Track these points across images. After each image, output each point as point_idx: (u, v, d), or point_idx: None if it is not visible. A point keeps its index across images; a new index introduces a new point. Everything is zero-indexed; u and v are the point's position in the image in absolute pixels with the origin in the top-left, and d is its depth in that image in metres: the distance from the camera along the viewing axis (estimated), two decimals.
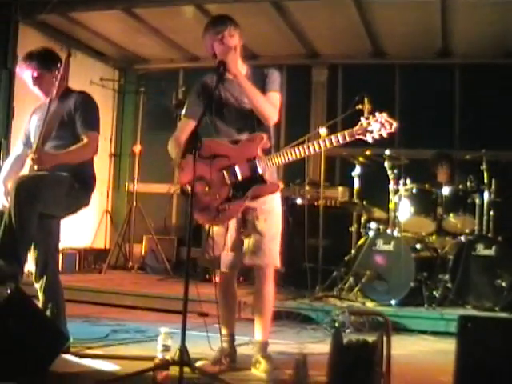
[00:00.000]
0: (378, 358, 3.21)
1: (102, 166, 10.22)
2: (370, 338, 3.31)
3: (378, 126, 4.09)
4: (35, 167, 4.50)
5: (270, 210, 4.48)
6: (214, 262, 4.56)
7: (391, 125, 4.10)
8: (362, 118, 4.16)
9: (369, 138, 4.13)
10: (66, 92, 4.90)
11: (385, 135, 4.12)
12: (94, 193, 4.93)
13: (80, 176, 4.70)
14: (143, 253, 9.83)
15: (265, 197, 4.43)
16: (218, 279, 4.72)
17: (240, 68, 4.44)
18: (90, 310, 6.76)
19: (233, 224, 4.52)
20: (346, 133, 4.16)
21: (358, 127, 4.15)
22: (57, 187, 4.54)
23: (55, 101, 4.83)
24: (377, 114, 4.13)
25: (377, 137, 4.12)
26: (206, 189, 4.37)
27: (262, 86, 4.44)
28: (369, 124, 4.11)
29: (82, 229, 9.80)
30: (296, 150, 4.25)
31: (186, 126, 4.51)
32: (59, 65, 4.81)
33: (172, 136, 4.61)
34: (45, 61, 4.84)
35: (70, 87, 5.01)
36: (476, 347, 3.16)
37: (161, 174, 10.36)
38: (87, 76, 9.65)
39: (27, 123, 5.00)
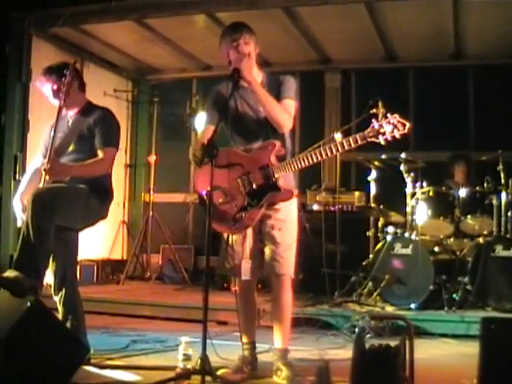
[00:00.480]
0: (401, 362, 3.18)
1: (118, 177, 10.26)
2: (392, 343, 3.29)
3: (390, 127, 4.04)
4: (47, 178, 4.51)
5: (285, 219, 4.47)
6: (234, 270, 4.55)
7: (404, 126, 4.04)
8: (374, 121, 4.12)
9: (382, 141, 4.08)
10: (87, 106, 4.93)
11: (398, 136, 4.05)
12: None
13: (97, 188, 4.70)
14: (160, 263, 9.83)
15: (279, 205, 4.42)
16: (236, 288, 4.71)
17: (256, 75, 4.44)
18: (109, 321, 6.77)
19: (250, 232, 4.51)
20: (357, 136, 4.12)
21: (369, 130, 4.10)
22: (74, 199, 4.55)
23: (76, 114, 4.86)
24: (389, 115, 4.09)
25: (390, 139, 4.06)
26: (223, 198, 4.37)
27: (277, 93, 4.43)
28: (381, 126, 4.06)
29: (99, 240, 9.82)
30: (309, 155, 4.23)
31: (208, 132, 4.47)
32: (68, 69, 4.85)
33: (193, 146, 4.59)
34: (73, 70, 4.86)
35: (91, 102, 5.03)
36: (500, 349, 3.14)
37: (176, 184, 10.42)
38: (101, 88, 9.68)
39: (47, 136, 5.01)
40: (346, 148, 4.15)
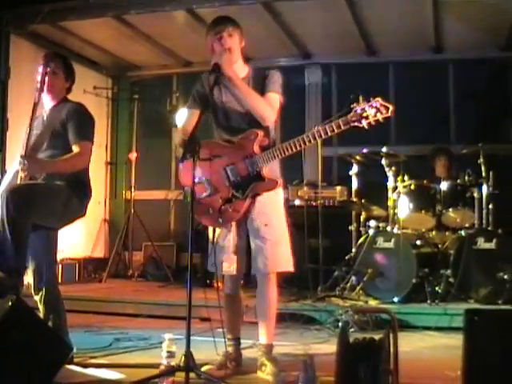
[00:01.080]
0: (385, 355, 3.18)
1: (98, 175, 10.22)
2: (376, 336, 3.29)
3: (373, 111, 4.02)
4: (23, 175, 4.47)
5: (271, 213, 4.45)
6: (219, 266, 4.53)
7: (387, 109, 4.02)
8: (356, 105, 4.08)
9: (365, 125, 4.04)
10: (62, 102, 4.89)
11: (381, 120, 4.04)
12: (90, 201, 4.90)
13: (75, 185, 4.66)
14: (143, 260, 9.80)
15: (264, 197, 4.40)
16: (220, 284, 4.70)
17: (241, 69, 4.45)
18: (92, 320, 6.75)
19: (235, 227, 4.49)
20: (340, 121, 4.10)
21: (352, 114, 4.07)
22: (51, 197, 4.49)
23: (50, 110, 4.83)
24: (371, 98, 4.06)
25: (373, 122, 4.04)
26: (206, 191, 4.35)
27: (262, 86, 4.42)
28: (363, 110, 4.04)
29: (81, 238, 9.79)
30: (292, 143, 4.20)
31: (191, 116, 4.48)
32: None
33: (178, 129, 4.56)
34: (70, 69, 4.94)
35: (67, 98, 4.99)
36: (483, 340, 3.15)
37: (157, 181, 10.40)
38: (80, 85, 9.45)
39: (25, 136, 4.96)
40: (329, 134, 4.12)
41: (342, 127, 4.09)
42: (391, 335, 3.27)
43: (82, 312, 6.92)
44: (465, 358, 3.18)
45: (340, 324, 6.01)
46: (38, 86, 4.72)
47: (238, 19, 4.59)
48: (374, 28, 8.69)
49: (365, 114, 4.04)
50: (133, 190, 9.69)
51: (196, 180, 4.22)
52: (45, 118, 4.86)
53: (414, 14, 8.07)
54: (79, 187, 4.74)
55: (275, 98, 4.44)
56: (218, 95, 4.49)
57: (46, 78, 4.77)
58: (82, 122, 4.75)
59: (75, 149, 4.61)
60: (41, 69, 4.76)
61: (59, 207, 4.56)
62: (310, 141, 4.18)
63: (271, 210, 4.45)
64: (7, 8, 7.82)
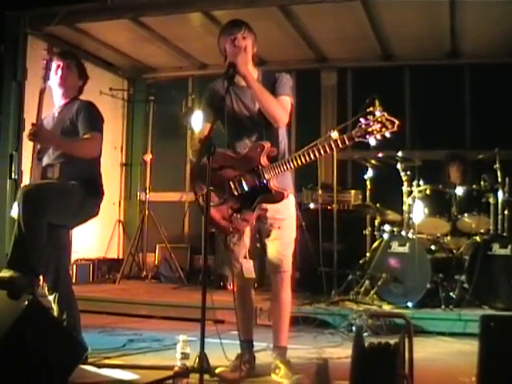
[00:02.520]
0: (400, 360, 3.17)
1: (114, 176, 10.28)
2: (391, 341, 3.28)
3: (378, 126, 3.96)
4: (31, 140, 4.50)
5: (284, 218, 4.48)
6: (233, 270, 4.54)
7: (393, 123, 3.96)
8: (362, 119, 4.03)
9: (371, 141, 4.00)
10: (73, 100, 4.91)
11: (388, 135, 3.98)
12: (105, 202, 4.92)
13: (88, 185, 4.68)
14: (156, 262, 9.81)
15: (277, 205, 4.40)
16: (233, 287, 4.70)
17: (251, 72, 4.43)
18: (106, 320, 6.77)
19: (248, 231, 4.51)
20: (345, 137, 4.07)
21: (357, 129, 4.02)
22: (65, 196, 4.53)
23: (62, 107, 4.85)
24: (377, 113, 4.00)
25: (379, 138, 3.99)
26: (217, 200, 4.35)
27: (272, 90, 4.41)
28: (368, 125, 3.98)
29: (95, 239, 9.82)
30: (297, 157, 4.20)
31: (205, 131, 4.45)
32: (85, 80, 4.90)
33: (194, 138, 4.57)
34: (83, 68, 5.01)
35: (78, 97, 5.01)
36: (499, 346, 3.13)
37: (172, 183, 10.40)
38: (96, 86, 9.66)
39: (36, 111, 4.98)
40: (334, 149, 4.10)
41: (347, 143, 4.07)
42: (406, 340, 3.25)
43: (95, 312, 6.95)
44: (480, 364, 3.16)
45: (354, 328, 6.04)
46: (44, 73, 4.74)
47: (253, 22, 4.59)
48: (390, 32, 8.67)
49: (370, 130, 3.98)
50: (147, 191, 9.69)
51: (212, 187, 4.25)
52: (56, 114, 4.87)
53: (431, 18, 8.05)
54: (92, 187, 4.77)
55: (287, 100, 4.44)
56: (229, 104, 4.48)
57: (60, 71, 4.81)
58: (92, 115, 4.79)
59: (86, 136, 4.63)
60: (54, 61, 4.82)
61: (74, 206, 4.60)
62: (315, 155, 4.16)
63: (284, 215, 4.47)
64: (25, 9, 7.85)
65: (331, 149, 4.10)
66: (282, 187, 4.38)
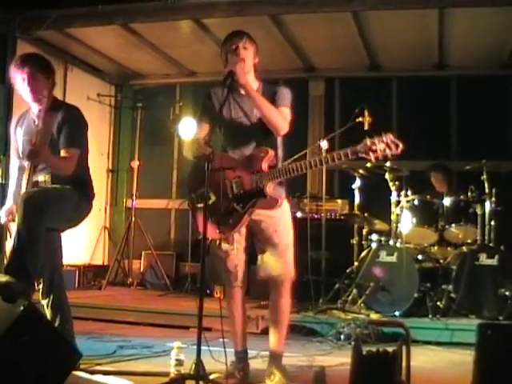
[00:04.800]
0: (399, 367, 3.19)
1: (100, 182, 10.24)
2: (390, 348, 3.30)
3: (383, 146, 3.99)
4: (27, 161, 4.48)
5: (279, 221, 4.48)
6: (224, 276, 4.54)
7: (397, 146, 3.99)
8: (368, 138, 4.06)
9: (372, 157, 4.03)
10: (54, 104, 4.82)
11: (389, 156, 4.03)
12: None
13: (80, 186, 4.68)
14: (142, 269, 9.80)
15: (270, 210, 4.41)
16: (226, 295, 4.70)
17: (252, 83, 4.44)
18: (93, 327, 6.73)
19: (239, 238, 4.51)
20: (348, 150, 4.08)
21: (362, 145, 4.05)
22: (62, 200, 4.53)
23: (44, 113, 4.75)
24: (383, 134, 4.03)
25: (380, 157, 4.03)
26: (210, 200, 4.35)
27: (272, 101, 4.42)
28: (373, 143, 4.01)
29: (81, 245, 9.79)
30: (299, 165, 4.22)
31: (202, 128, 4.52)
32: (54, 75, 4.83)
33: (190, 140, 4.55)
34: (47, 66, 4.81)
35: (57, 98, 4.96)
36: (496, 354, 3.16)
37: (159, 190, 10.42)
38: (84, 92, 9.67)
39: (13, 136, 4.93)
40: (336, 161, 4.12)
41: (350, 157, 4.08)
42: (404, 348, 3.28)
43: (82, 319, 6.88)
44: (477, 372, 3.19)
45: (342, 337, 6.08)
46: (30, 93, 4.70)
47: (243, 30, 4.62)
48: (379, 43, 8.75)
49: (374, 148, 4.00)
50: (134, 198, 9.67)
51: (201, 190, 4.30)
52: (36, 122, 4.79)
53: (419, 29, 8.13)
54: (84, 187, 4.76)
55: (287, 112, 4.46)
56: (227, 111, 4.49)
57: (27, 83, 4.67)
58: (75, 128, 4.71)
59: (63, 154, 4.61)
60: (17, 77, 4.72)
61: (70, 209, 4.60)
62: (316, 165, 4.19)
63: (279, 218, 4.47)
64: (15, 13, 7.83)
65: (333, 160, 4.12)
66: (278, 194, 4.39)
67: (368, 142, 4.04)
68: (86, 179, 4.85)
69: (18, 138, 4.84)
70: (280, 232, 4.46)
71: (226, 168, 4.38)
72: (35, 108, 4.77)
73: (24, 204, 4.24)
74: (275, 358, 4.47)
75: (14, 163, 4.98)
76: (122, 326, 6.94)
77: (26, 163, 4.57)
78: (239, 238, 4.51)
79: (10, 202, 4.77)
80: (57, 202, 4.46)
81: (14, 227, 4.45)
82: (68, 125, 4.67)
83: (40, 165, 4.67)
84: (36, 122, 4.75)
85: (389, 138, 4.01)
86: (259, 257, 4.50)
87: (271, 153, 4.36)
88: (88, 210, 4.87)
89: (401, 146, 4.00)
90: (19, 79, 4.72)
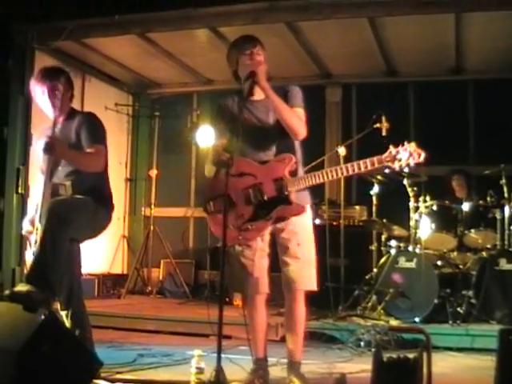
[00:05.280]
0: (420, 374, 3.18)
1: (118, 191, 10.25)
2: (410, 355, 3.29)
3: (406, 154, 4.04)
4: (44, 153, 4.50)
5: (302, 233, 4.46)
6: (246, 285, 4.53)
7: (420, 155, 4.05)
8: (392, 147, 4.10)
9: (396, 166, 4.07)
10: (71, 113, 4.88)
11: (412, 164, 4.08)
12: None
13: (100, 198, 4.69)
14: (161, 277, 9.84)
15: (295, 221, 4.39)
16: (247, 303, 4.68)
17: None
18: (113, 335, 6.74)
19: (262, 245, 4.49)
20: (375, 159, 4.11)
21: (387, 154, 4.09)
22: (84, 211, 4.54)
23: (62, 123, 4.81)
24: (406, 143, 4.07)
25: (404, 165, 4.08)
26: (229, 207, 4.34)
27: (285, 101, 4.41)
28: (398, 152, 4.06)
29: (100, 254, 9.81)
30: (325, 173, 4.22)
31: (220, 138, 4.50)
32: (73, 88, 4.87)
33: (207, 162, 4.55)
34: (67, 79, 4.85)
35: (74, 108, 5.00)
36: None
37: (177, 198, 10.43)
38: (101, 101, 9.71)
39: (35, 151, 4.98)
40: (363, 170, 4.13)
41: (376, 165, 4.11)
42: (425, 354, 3.27)
43: (101, 327, 6.90)
44: (498, 378, 3.18)
45: (362, 343, 6.06)
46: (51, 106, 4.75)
47: (260, 38, 4.61)
48: (395, 48, 8.74)
49: (398, 157, 4.05)
50: (152, 206, 9.70)
51: (218, 195, 4.29)
52: (57, 132, 4.83)
53: (436, 34, 8.11)
54: (104, 200, 4.77)
55: (301, 112, 4.45)
56: (243, 118, 4.44)
57: (48, 96, 4.73)
58: (94, 128, 4.73)
59: (89, 150, 4.63)
60: (37, 90, 4.78)
61: (91, 221, 4.62)
62: (342, 173, 4.19)
63: (301, 229, 4.45)
64: (32, 24, 7.89)
65: (360, 169, 4.13)
66: (303, 200, 4.39)
67: (393, 150, 4.08)
68: (105, 190, 4.87)
69: (39, 151, 4.86)
70: (302, 245, 4.44)
71: (247, 174, 4.38)
72: (55, 117, 4.79)
73: (49, 213, 4.26)
74: (293, 366, 4.46)
75: (40, 178, 5.02)
76: (142, 335, 6.94)
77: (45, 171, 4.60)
78: (262, 244, 4.49)
79: (32, 212, 4.80)
80: (79, 213, 4.48)
81: (33, 237, 4.48)
82: (86, 126, 4.70)
83: (62, 168, 4.70)
84: (56, 132, 4.80)
85: (412, 146, 4.06)
86: (282, 265, 4.48)
87: (293, 159, 4.34)
88: (107, 222, 4.89)
89: (423, 154, 4.05)
90: (39, 92, 4.78)
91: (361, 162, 4.13)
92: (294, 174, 4.36)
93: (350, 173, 4.18)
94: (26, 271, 4.47)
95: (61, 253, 4.26)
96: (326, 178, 4.22)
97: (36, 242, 4.30)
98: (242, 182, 4.35)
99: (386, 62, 9.28)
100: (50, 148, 4.42)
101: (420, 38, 8.22)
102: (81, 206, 4.54)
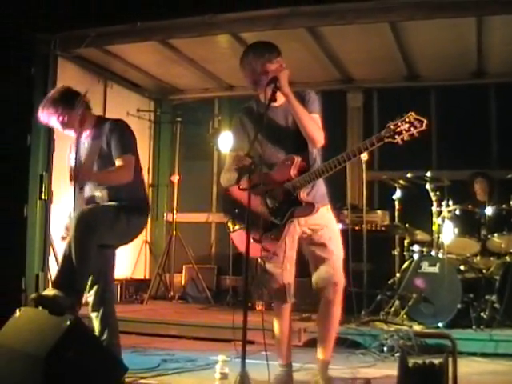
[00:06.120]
0: (445, 379, 3.17)
1: None
2: (436, 360, 3.28)
3: (407, 125, 3.93)
4: (72, 182, 4.54)
5: (331, 229, 4.48)
6: (274, 294, 4.54)
7: (422, 122, 3.93)
8: (390, 122, 4.00)
9: (399, 140, 3.95)
10: (98, 122, 4.92)
11: (416, 135, 3.94)
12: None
13: (134, 201, 4.74)
14: (183, 282, 9.87)
15: (316, 217, 4.36)
16: (262, 307, 4.70)
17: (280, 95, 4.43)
18: (137, 341, 6.76)
19: (290, 254, 4.48)
20: (373, 138, 4.02)
21: (385, 130, 3.99)
22: (115, 219, 4.59)
23: (90, 134, 4.86)
24: (404, 115, 3.97)
25: (407, 138, 3.94)
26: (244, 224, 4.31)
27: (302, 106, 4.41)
28: (396, 125, 3.96)
29: (122, 260, 9.81)
30: (327, 164, 4.17)
31: (241, 144, 4.51)
32: (80, 99, 4.87)
33: (224, 171, 4.56)
34: (69, 101, 4.83)
35: (101, 116, 5.05)
36: None
37: (199, 203, 10.45)
38: (124, 108, 9.77)
39: (68, 162, 5.03)
40: (364, 151, 4.08)
41: (376, 144, 4.02)
42: (450, 360, 3.26)
43: (125, 333, 6.90)
44: None
45: (385, 348, 6.04)
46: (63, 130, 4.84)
47: (281, 43, 4.61)
48: (416, 52, 8.71)
49: (398, 130, 3.95)
50: (174, 212, 9.73)
51: (236, 211, 4.35)
52: (86, 145, 4.88)
53: (457, 38, 8.07)
54: (137, 203, 4.82)
55: (318, 119, 4.42)
56: (264, 124, 4.47)
57: (55, 126, 4.91)
58: (122, 136, 4.79)
59: (118, 163, 4.67)
60: (45, 119, 4.87)
61: (123, 227, 4.68)
62: (344, 161, 4.10)
63: (332, 226, 4.50)
64: (55, 32, 7.93)
65: (360, 151, 4.06)
66: (316, 199, 4.36)
67: (391, 125, 3.99)
68: (141, 195, 4.93)
69: (71, 162, 4.90)
70: (333, 240, 4.45)
71: (258, 184, 4.34)
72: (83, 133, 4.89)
73: (77, 222, 4.34)
74: (323, 367, 4.47)
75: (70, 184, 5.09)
76: (165, 340, 6.98)
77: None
78: (290, 253, 4.48)
79: (67, 220, 4.87)
80: (109, 221, 4.54)
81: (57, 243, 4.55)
82: (116, 134, 4.75)
83: (91, 188, 4.77)
84: (85, 145, 4.86)
85: (411, 116, 3.96)
86: (313, 269, 4.48)
87: (297, 159, 4.30)
88: (141, 227, 4.98)
89: (425, 121, 3.95)
90: (46, 120, 4.89)
91: (360, 145, 4.07)
92: (304, 173, 4.31)
93: (352, 159, 4.09)
94: (53, 277, 4.51)
95: (87, 261, 4.32)
96: (329, 169, 4.15)
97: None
98: (256, 193, 4.29)
99: (408, 67, 9.26)
100: (74, 179, 4.49)
101: (441, 42, 8.19)
102: (110, 214, 4.59)
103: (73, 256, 4.25)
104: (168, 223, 10.20)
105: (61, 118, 4.79)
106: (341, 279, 4.44)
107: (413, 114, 3.97)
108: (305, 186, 4.27)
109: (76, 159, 4.66)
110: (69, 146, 5.07)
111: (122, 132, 4.82)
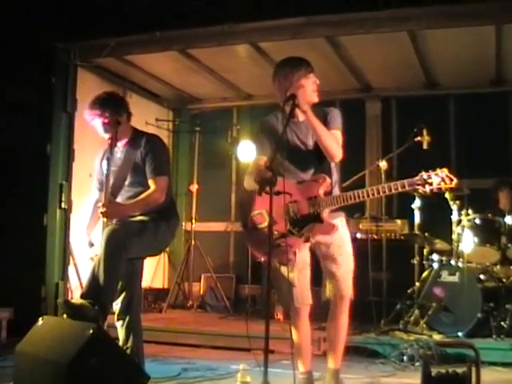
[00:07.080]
0: None
1: None
2: (459, 369, 3.28)
3: (438, 179, 4.14)
4: (105, 220, 4.59)
5: (342, 244, 4.58)
6: (287, 297, 4.57)
7: (451, 180, 4.15)
8: (423, 172, 4.20)
9: (427, 189, 4.18)
10: (135, 135, 4.97)
11: (443, 189, 4.21)
12: None
13: (164, 214, 4.79)
14: (202, 291, 9.87)
15: (327, 235, 4.49)
16: (281, 316, 4.75)
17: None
18: (156, 349, 6.76)
19: (300, 258, 4.54)
20: (405, 182, 4.20)
21: (418, 178, 4.19)
22: (143, 234, 4.64)
23: (125, 145, 4.91)
24: (438, 169, 4.16)
25: (435, 190, 4.18)
26: (265, 222, 4.38)
27: (324, 124, 4.47)
28: (429, 177, 4.16)
29: None
30: (356, 194, 4.30)
31: (263, 155, 4.58)
32: (127, 107, 4.93)
33: (248, 175, 4.61)
34: (117, 106, 4.94)
35: (137, 129, 5.08)
36: None
37: (217, 212, 10.44)
38: (142, 117, 9.78)
39: (99, 168, 5.07)
40: (393, 192, 4.24)
41: (407, 188, 4.20)
42: (473, 369, 3.25)
43: (145, 341, 6.92)
44: None
45: (405, 358, 6.04)
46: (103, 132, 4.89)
47: (299, 52, 4.68)
48: (435, 60, 8.69)
49: (430, 181, 4.16)
50: (193, 221, 9.74)
51: (256, 212, 4.45)
52: (119, 154, 4.92)
53: (476, 46, 8.04)
54: (166, 217, 4.87)
55: (339, 135, 4.54)
56: (286, 137, 4.55)
57: (99, 129, 4.93)
58: (160, 156, 4.86)
59: (151, 184, 4.72)
60: (89, 118, 4.91)
61: (152, 242, 4.75)
62: (373, 194, 4.28)
63: (341, 241, 4.59)
64: (75, 42, 7.99)
65: (390, 191, 4.23)
66: (335, 218, 4.49)
67: (425, 175, 4.18)
68: (170, 207, 4.98)
69: (102, 170, 4.95)
70: (344, 255, 4.58)
71: (283, 192, 4.40)
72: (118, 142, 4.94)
73: (107, 239, 4.40)
74: (334, 375, 4.56)
75: (94, 195, 5.14)
76: (184, 349, 6.99)
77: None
78: (302, 257, 4.56)
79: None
80: (138, 236, 4.62)
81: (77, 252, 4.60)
82: (152, 153, 4.82)
83: (125, 191, 4.81)
84: (119, 155, 4.89)
85: (444, 172, 4.16)
86: (324, 279, 4.59)
87: (328, 180, 4.44)
88: (169, 238, 5.05)
89: (455, 180, 4.16)
90: (90, 119, 4.93)
91: (391, 185, 4.22)
92: (328, 194, 4.46)
93: (381, 194, 4.28)
94: (72, 286, 4.57)
95: (116, 278, 4.43)
96: (356, 198, 4.30)
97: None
98: (277, 200, 4.34)
99: (426, 75, 9.24)
100: (106, 216, 4.55)
101: (460, 50, 8.16)
102: (137, 231, 4.64)
103: (101, 272, 4.31)
104: (187, 232, 10.20)
105: (106, 121, 4.84)
106: (348, 292, 4.60)
107: (445, 170, 4.18)
108: (329, 207, 4.38)
109: (106, 189, 4.70)
110: (101, 152, 5.11)
111: (157, 150, 4.88)
